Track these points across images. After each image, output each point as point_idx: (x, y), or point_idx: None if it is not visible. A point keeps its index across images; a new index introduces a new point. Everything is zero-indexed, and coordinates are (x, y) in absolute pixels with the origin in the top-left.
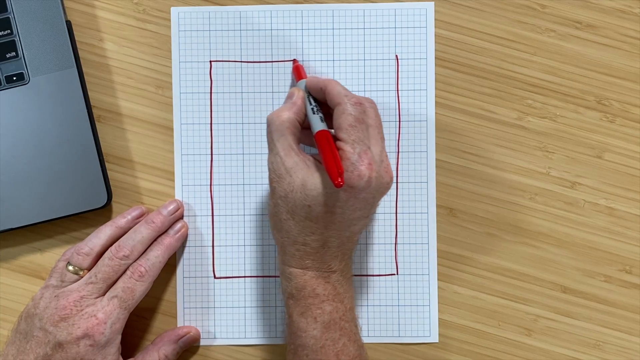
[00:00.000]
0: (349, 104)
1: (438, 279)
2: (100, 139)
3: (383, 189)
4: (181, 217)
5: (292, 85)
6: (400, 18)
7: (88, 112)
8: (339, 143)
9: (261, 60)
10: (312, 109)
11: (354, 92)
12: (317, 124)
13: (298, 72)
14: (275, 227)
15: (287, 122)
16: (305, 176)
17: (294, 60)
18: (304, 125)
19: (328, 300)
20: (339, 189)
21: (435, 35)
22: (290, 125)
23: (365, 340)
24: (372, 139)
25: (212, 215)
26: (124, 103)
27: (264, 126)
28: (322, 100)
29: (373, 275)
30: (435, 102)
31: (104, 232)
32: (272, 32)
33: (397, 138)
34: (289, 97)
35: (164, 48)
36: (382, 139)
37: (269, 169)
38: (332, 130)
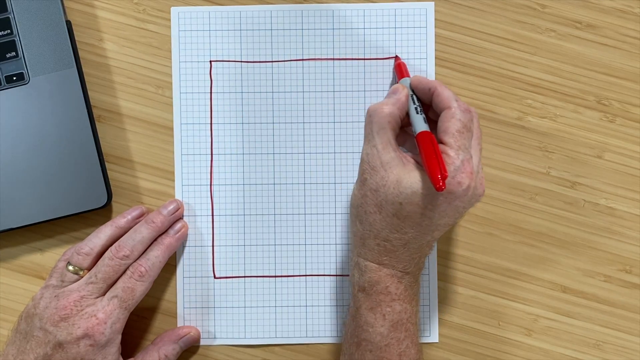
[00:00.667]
0: (459, 109)
1: (438, 279)
2: (100, 138)
3: (475, 200)
4: (181, 217)
5: (392, 82)
6: (400, 18)
7: (88, 112)
8: (442, 147)
9: (261, 60)
10: (416, 108)
11: (354, 92)
12: (421, 124)
13: (400, 69)
14: (358, 218)
15: (389, 117)
16: (401, 173)
17: (396, 57)
18: (402, 124)
19: (399, 300)
20: (436, 193)
21: (435, 35)
22: (392, 120)
23: None
24: (474, 148)
25: (212, 215)
26: (124, 103)
27: (264, 126)
28: (426, 102)
29: None
30: None
31: (104, 232)
32: (272, 32)
33: None
34: (393, 92)
35: (164, 48)
36: (481, 150)
37: (363, 160)
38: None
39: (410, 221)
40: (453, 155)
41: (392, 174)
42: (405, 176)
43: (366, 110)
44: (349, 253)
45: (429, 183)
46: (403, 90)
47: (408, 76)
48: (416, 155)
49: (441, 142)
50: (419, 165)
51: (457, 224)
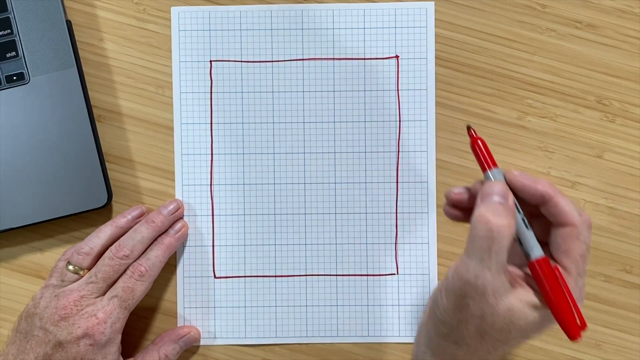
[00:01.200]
0: (585, 229)
1: (438, 279)
2: (100, 138)
3: None
4: (181, 217)
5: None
6: (401, 18)
7: (88, 111)
8: (569, 289)
9: (261, 60)
10: (524, 219)
11: (354, 92)
12: (536, 245)
13: (483, 154)
14: (456, 343)
15: (511, 234)
16: (514, 303)
17: (469, 129)
18: None
19: None
20: (550, 323)
21: (435, 34)
22: (511, 238)
23: (365, 340)
24: (586, 270)
25: (212, 215)
26: (124, 103)
27: (265, 125)
28: (527, 202)
29: (373, 275)
30: (436, 101)
31: (104, 232)
32: (272, 32)
33: (397, 138)
34: (501, 195)
35: (164, 48)
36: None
37: (467, 281)
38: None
39: (512, 343)
40: (572, 285)
41: (502, 302)
42: (517, 306)
43: (476, 220)
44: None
45: (545, 317)
46: (509, 195)
47: (495, 164)
48: (523, 273)
49: (558, 263)
50: (529, 287)
51: (458, 225)
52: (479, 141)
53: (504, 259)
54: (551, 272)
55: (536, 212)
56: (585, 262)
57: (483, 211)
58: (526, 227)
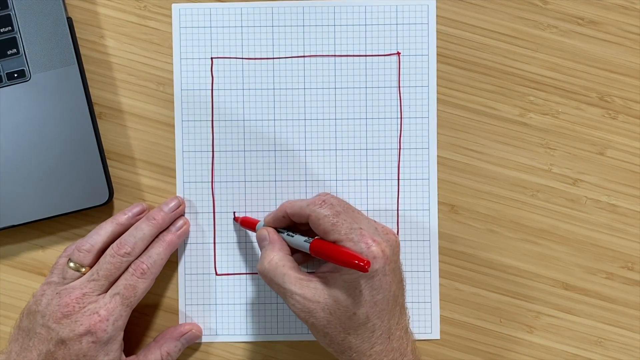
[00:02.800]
0: (317, 209)
1: (439, 276)
2: (101, 135)
3: (396, 249)
4: (182, 214)
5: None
6: (402, 14)
7: (89, 109)
8: (337, 245)
9: (262, 57)
10: (288, 234)
11: (355, 89)
12: (302, 242)
13: (247, 222)
14: (338, 352)
15: (281, 260)
16: (331, 292)
17: (235, 216)
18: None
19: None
20: (368, 279)
21: (436, 31)
22: (285, 261)
23: None
24: (354, 218)
25: (214, 212)
26: (125, 100)
27: (266, 122)
28: (289, 225)
29: None
30: (437, 98)
31: (104, 229)
32: (273, 29)
33: (398, 135)
34: (263, 239)
35: (165, 45)
36: (360, 212)
37: (296, 313)
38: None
39: (375, 317)
40: (349, 244)
41: (327, 299)
42: (335, 291)
43: (258, 272)
44: None
45: (354, 278)
46: (268, 230)
47: (257, 221)
48: (323, 266)
49: (333, 243)
50: (333, 273)
51: (459, 222)
52: (241, 218)
53: (295, 275)
54: (322, 243)
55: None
56: (342, 224)
57: (257, 266)
58: (291, 236)
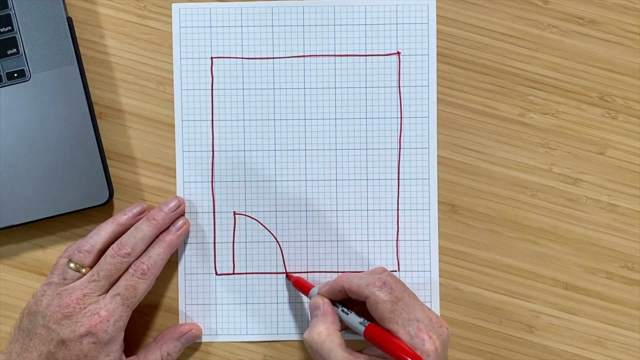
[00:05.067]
0: (376, 291)
1: (439, 276)
2: (101, 135)
3: (447, 344)
4: (182, 214)
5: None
6: (402, 14)
7: (89, 108)
8: (393, 337)
9: (262, 56)
10: (343, 310)
11: (355, 89)
12: (357, 323)
13: (301, 283)
14: None
15: (331, 336)
16: None
17: (288, 275)
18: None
19: None
20: None
21: (437, 31)
22: (335, 337)
23: None
24: (411, 307)
25: (214, 212)
26: (125, 100)
27: (265, 122)
28: (343, 299)
29: None
30: (437, 98)
31: (105, 230)
32: (273, 29)
33: (398, 134)
34: (316, 308)
35: (165, 45)
36: (415, 296)
37: None
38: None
39: None
40: (404, 337)
41: None
42: None
43: (304, 341)
44: None
45: None
46: (324, 300)
47: (312, 286)
48: (373, 349)
49: (385, 328)
50: (381, 358)
51: (459, 222)
52: (295, 277)
53: (341, 354)
54: (378, 331)
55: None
56: (400, 313)
57: (304, 335)
58: (347, 314)
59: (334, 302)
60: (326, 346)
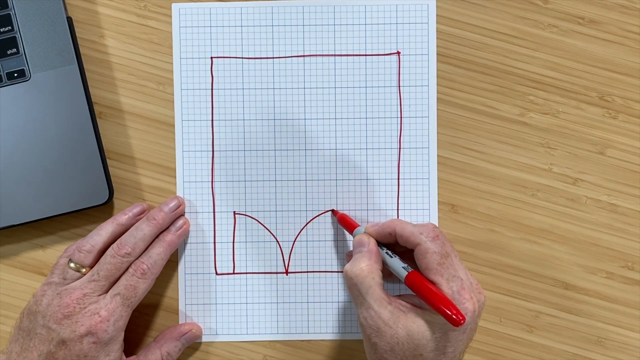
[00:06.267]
0: (428, 241)
1: None
2: (101, 135)
3: (481, 310)
4: (182, 214)
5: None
6: (402, 14)
7: (89, 108)
8: (435, 287)
9: (262, 56)
10: (387, 253)
11: (355, 88)
12: (400, 268)
13: (346, 220)
14: None
15: (371, 273)
16: (408, 325)
17: (334, 211)
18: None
19: None
20: (449, 329)
21: (437, 31)
22: (376, 275)
23: None
24: (456, 266)
25: (214, 212)
26: (125, 99)
27: (266, 122)
28: (391, 243)
29: None
30: (437, 98)
31: (105, 229)
32: (273, 29)
33: (398, 134)
34: (360, 245)
35: (165, 44)
36: (459, 257)
37: (363, 325)
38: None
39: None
40: (446, 290)
41: (400, 329)
42: (412, 326)
43: (343, 273)
44: None
45: (437, 323)
46: (369, 239)
47: (358, 225)
48: (408, 297)
49: (428, 279)
50: (418, 307)
51: (459, 222)
52: (340, 214)
53: (379, 293)
54: (421, 279)
55: (408, 250)
56: (448, 267)
57: (345, 267)
58: (390, 257)
59: (378, 244)
60: (366, 282)
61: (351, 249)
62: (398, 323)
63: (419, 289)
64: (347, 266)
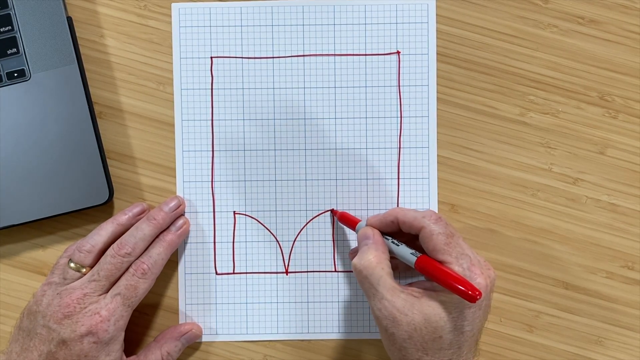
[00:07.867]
0: (432, 224)
1: None
2: (101, 135)
3: (493, 286)
4: (182, 214)
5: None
6: (402, 14)
7: (89, 108)
8: (446, 266)
9: (262, 56)
10: (393, 242)
11: (355, 88)
12: (408, 254)
13: (347, 217)
14: None
15: (380, 263)
16: (423, 309)
17: (333, 211)
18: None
19: None
20: (464, 307)
21: (436, 30)
22: (385, 265)
23: (367, 336)
24: (462, 245)
25: (214, 212)
26: (125, 99)
27: (265, 122)
28: (392, 232)
29: None
30: (437, 97)
31: (105, 229)
32: (272, 28)
33: (398, 134)
34: (365, 238)
35: (164, 44)
36: (463, 238)
37: (378, 317)
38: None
39: (456, 344)
40: (457, 269)
41: (415, 314)
42: (428, 310)
43: (352, 267)
44: None
45: (452, 302)
46: (373, 231)
47: (359, 220)
48: (418, 283)
49: (438, 261)
50: (429, 291)
51: (459, 221)
52: (339, 212)
53: (390, 282)
54: (431, 261)
55: (412, 237)
56: (454, 247)
57: (353, 260)
58: (397, 245)
59: (383, 235)
60: (376, 273)
61: (352, 247)
62: (413, 309)
63: (430, 270)
64: (355, 260)
